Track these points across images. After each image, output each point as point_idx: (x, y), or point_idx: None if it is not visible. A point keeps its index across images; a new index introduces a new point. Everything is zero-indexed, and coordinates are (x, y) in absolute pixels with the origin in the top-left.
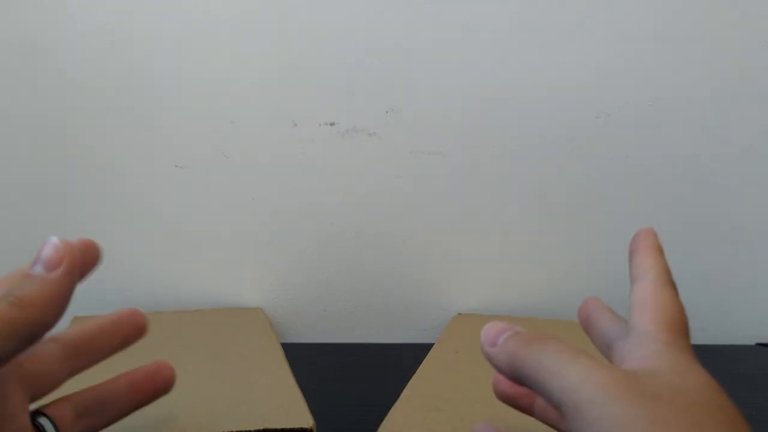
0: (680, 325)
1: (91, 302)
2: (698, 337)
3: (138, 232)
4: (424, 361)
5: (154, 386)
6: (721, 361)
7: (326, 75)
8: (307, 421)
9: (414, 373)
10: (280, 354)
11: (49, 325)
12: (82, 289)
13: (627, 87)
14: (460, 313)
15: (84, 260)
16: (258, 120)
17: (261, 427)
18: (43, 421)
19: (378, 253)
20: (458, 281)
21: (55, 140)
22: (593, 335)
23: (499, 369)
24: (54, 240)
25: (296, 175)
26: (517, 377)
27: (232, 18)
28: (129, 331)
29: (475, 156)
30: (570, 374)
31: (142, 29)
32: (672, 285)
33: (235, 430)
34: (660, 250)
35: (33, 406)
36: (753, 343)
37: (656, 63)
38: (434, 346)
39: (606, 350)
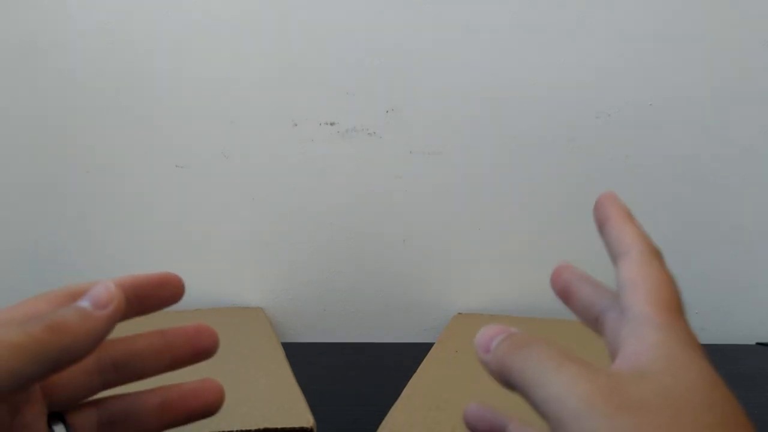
0: (675, 301)
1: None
2: (698, 337)
3: (138, 232)
4: (424, 361)
5: (190, 408)
6: (721, 361)
7: (326, 75)
8: (308, 420)
9: (414, 373)
10: (280, 354)
11: (76, 357)
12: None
13: (627, 87)
14: (460, 313)
15: (159, 293)
16: (258, 120)
17: (261, 427)
18: (59, 429)
19: (378, 254)
20: (458, 281)
21: (55, 140)
22: (575, 308)
23: (493, 378)
24: (108, 283)
25: (296, 175)
26: (509, 387)
27: (232, 18)
28: (185, 353)
29: (475, 156)
30: (554, 384)
31: (142, 29)
32: (658, 255)
33: (235, 429)
34: (632, 217)
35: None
36: (753, 342)
37: (656, 63)
38: (434, 346)
39: (594, 323)
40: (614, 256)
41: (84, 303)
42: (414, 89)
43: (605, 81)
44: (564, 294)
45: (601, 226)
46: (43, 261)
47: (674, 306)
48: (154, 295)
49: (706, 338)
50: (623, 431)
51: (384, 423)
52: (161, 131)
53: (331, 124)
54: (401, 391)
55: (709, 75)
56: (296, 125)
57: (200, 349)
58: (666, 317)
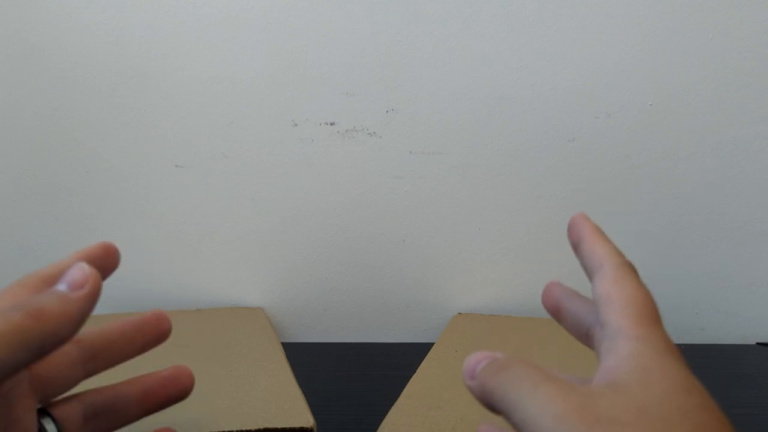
0: (650, 312)
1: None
2: (698, 337)
3: (138, 232)
4: (424, 361)
5: (168, 393)
6: (721, 361)
7: (326, 75)
8: (308, 420)
9: (414, 373)
10: (280, 354)
11: (60, 341)
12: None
13: (627, 87)
14: (460, 313)
15: (103, 265)
16: (258, 120)
17: (261, 427)
18: (47, 423)
19: (378, 253)
20: (458, 281)
21: (55, 140)
22: (567, 324)
23: (480, 403)
24: (82, 264)
25: (296, 175)
26: (494, 411)
27: (232, 18)
28: (151, 336)
29: (475, 156)
30: (530, 405)
31: (142, 29)
32: (631, 269)
33: (235, 429)
34: (604, 234)
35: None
36: (753, 342)
37: (656, 63)
38: (434, 346)
39: (585, 339)
40: (589, 273)
41: (61, 286)
42: (414, 89)
43: (605, 81)
44: (555, 311)
45: (576, 247)
46: (42, 261)
47: (650, 317)
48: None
49: (706, 338)
50: None
51: (384, 423)
52: (161, 131)
53: (331, 124)
54: (401, 391)
55: (709, 75)
56: (296, 125)
57: (164, 332)
58: (640, 329)
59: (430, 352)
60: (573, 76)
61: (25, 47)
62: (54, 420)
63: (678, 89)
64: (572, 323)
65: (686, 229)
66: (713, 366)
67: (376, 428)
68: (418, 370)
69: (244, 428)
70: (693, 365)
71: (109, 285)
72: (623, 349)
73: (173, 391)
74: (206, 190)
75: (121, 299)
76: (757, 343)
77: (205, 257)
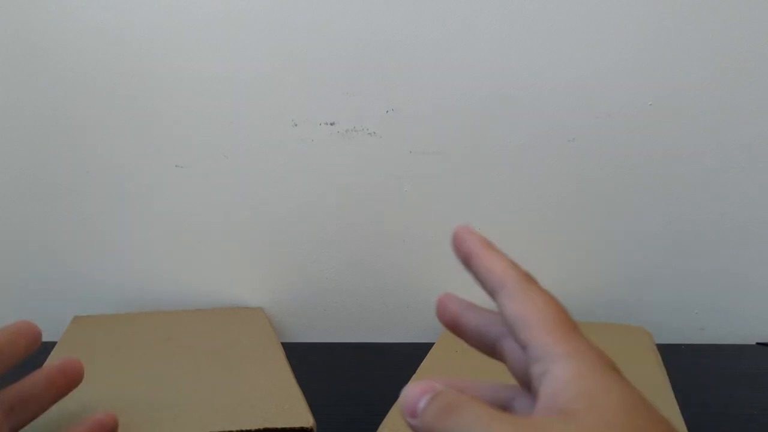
0: (566, 321)
1: (91, 302)
2: (698, 337)
3: (138, 232)
4: (424, 361)
5: (67, 379)
6: (721, 361)
7: (326, 75)
8: (308, 420)
9: (414, 373)
10: (280, 354)
11: None
12: (82, 290)
13: (627, 87)
14: None
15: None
16: (258, 120)
17: (261, 427)
18: None
19: (378, 253)
20: (458, 281)
21: (55, 140)
22: (467, 338)
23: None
24: None
25: (296, 175)
26: None
27: (232, 17)
28: (65, 381)
29: (475, 156)
30: None
31: (142, 29)
32: (531, 280)
33: (235, 429)
34: (494, 247)
35: None
36: (753, 342)
37: (656, 63)
38: (434, 346)
39: (490, 351)
40: (490, 292)
41: None
42: (414, 89)
43: (605, 81)
44: (453, 326)
45: (466, 262)
46: (42, 261)
47: (568, 327)
48: (63, 378)
49: (706, 338)
50: None
51: (384, 423)
52: (161, 131)
53: (331, 124)
54: (401, 391)
55: (709, 75)
56: (296, 125)
57: (72, 378)
58: (567, 344)
59: (430, 352)
60: (573, 76)
61: (25, 47)
62: None
63: (678, 89)
64: (475, 337)
65: (686, 229)
66: (713, 366)
67: (376, 428)
68: (418, 370)
69: (244, 428)
70: (693, 365)
71: (109, 285)
72: (560, 371)
73: (71, 376)
74: (206, 190)
75: (121, 299)
76: (757, 343)
77: (205, 257)
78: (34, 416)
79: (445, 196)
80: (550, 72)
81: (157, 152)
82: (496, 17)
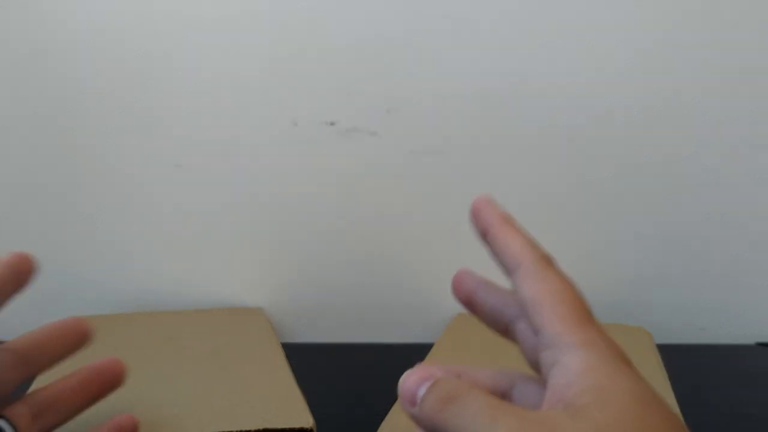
0: (581, 308)
1: (91, 302)
2: (698, 337)
3: (138, 232)
4: (423, 361)
5: (105, 382)
6: (721, 361)
7: (326, 75)
8: (307, 420)
9: None
10: (280, 354)
11: None
12: (81, 290)
13: (627, 87)
14: (460, 313)
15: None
16: (258, 120)
17: (261, 427)
18: (1, 423)
19: (378, 253)
20: None
21: (55, 140)
22: (482, 316)
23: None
24: None
25: (296, 174)
26: None
27: (232, 17)
28: (74, 338)
29: (475, 156)
30: None
31: (142, 29)
32: (550, 262)
33: (235, 430)
34: (514, 222)
35: None
36: (753, 342)
37: (656, 63)
38: (434, 346)
39: (504, 332)
40: (506, 271)
41: None
42: (414, 89)
43: (605, 81)
44: (468, 303)
45: (483, 235)
46: (42, 261)
47: (582, 314)
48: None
49: (706, 338)
50: None
51: (384, 423)
52: (161, 131)
53: (331, 124)
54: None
55: (709, 75)
56: (296, 125)
57: (109, 381)
58: (580, 334)
59: (430, 352)
60: (573, 76)
61: (25, 47)
62: (7, 419)
63: (678, 89)
64: (488, 316)
65: (686, 229)
66: (713, 366)
67: (376, 428)
68: None
69: (244, 428)
70: (693, 365)
71: (109, 285)
72: (571, 363)
73: (108, 379)
74: (206, 190)
75: (121, 299)
76: (757, 343)
77: (205, 257)
78: (65, 420)
79: (445, 196)
80: (551, 72)
81: (157, 152)
82: (496, 17)
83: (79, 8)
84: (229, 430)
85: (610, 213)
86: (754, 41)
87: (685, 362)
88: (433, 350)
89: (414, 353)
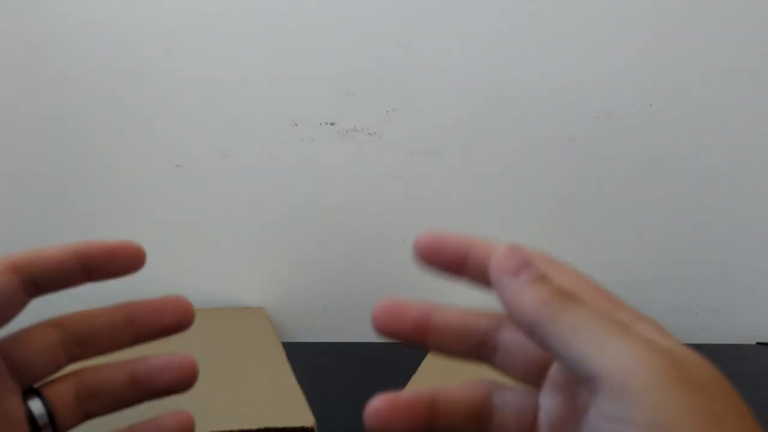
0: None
1: (91, 303)
2: (698, 337)
3: (138, 232)
4: (424, 361)
5: (158, 386)
6: (721, 361)
7: (326, 75)
8: (308, 420)
9: (414, 373)
10: (281, 354)
11: None
12: (81, 290)
13: (627, 87)
14: None
15: (113, 262)
16: (258, 120)
17: (262, 426)
18: (34, 404)
19: (378, 253)
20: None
21: (55, 140)
22: (442, 340)
23: (513, 310)
24: None
25: (296, 175)
26: (533, 330)
27: (232, 18)
28: (145, 328)
29: (475, 156)
30: (620, 347)
31: (142, 29)
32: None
33: (236, 428)
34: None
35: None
36: (753, 342)
37: (656, 63)
38: None
39: (475, 352)
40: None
41: None
42: (414, 89)
43: (605, 81)
44: (420, 330)
45: (460, 263)
46: None
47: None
48: (106, 264)
49: (706, 338)
50: (697, 410)
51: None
52: (161, 131)
53: (331, 124)
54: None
55: (709, 75)
56: (296, 125)
57: (166, 324)
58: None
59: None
60: (573, 77)
61: (25, 47)
62: (43, 400)
63: (678, 89)
64: (454, 335)
65: (686, 229)
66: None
67: None
68: (418, 370)
69: (244, 428)
70: None
71: (109, 285)
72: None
73: (160, 384)
74: (206, 190)
75: (121, 299)
76: (757, 343)
77: (206, 257)
78: (110, 411)
79: (445, 196)
80: (550, 72)
81: (157, 152)
82: (497, 17)
83: (80, 8)
84: (230, 428)
85: (609, 213)
86: (754, 41)
87: None
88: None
89: (414, 353)
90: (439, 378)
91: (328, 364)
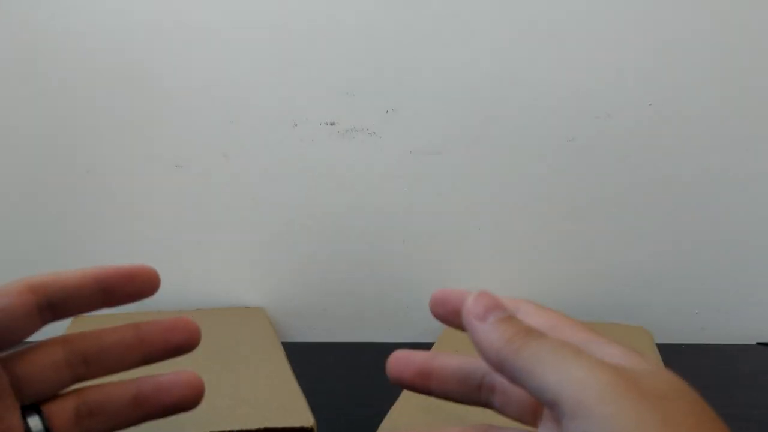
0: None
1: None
2: (698, 337)
3: (138, 232)
4: None
5: (164, 404)
6: (721, 361)
7: (326, 75)
8: (308, 420)
9: None
10: (281, 354)
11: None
12: None
13: (627, 87)
14: None
15: (129, 286)
16: (258, 120)
17: (262, 426)
18: (33, 421)
19: (378, 253)
20: (458, 281)
21: (55, 140)
22: (444, 384)
23: (482, 349)
24: None
25: (296, 175)
26: (501, 366)
27: (232, 18)
28: (155, 347)
29: (475, 156)
30: (575, 369)
31: (142, 29)
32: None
33: (235, 429)
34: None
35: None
36: (753, 342)
37: (656, 63)
38: (434, 346)
39: (473, 393)
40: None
41: None
42: (414, 89)
43: (605, 81)
44: (424, 375)
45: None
46: (42, 262)
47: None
48: (123, 288)
49: (706, 338)
50: (654, 419)
51: (384, 423)
52: (161, 131)
53: (331, 124)
54: (401, 391)
55: (709, 75)
56: (296, 125)
57: (175, 344)
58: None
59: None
60: (573, 76)
61: (25, 47)
62: (41, 416)
63: (678, 89)
64: (455, 378)
65: (686, 229)
66: (713, 366)
67: (376, 428)
68: None
69: (244, 428)
70: (693, 365)
71: None
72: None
73: (168, 402)
74: (206, 190)
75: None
76: (757, 343)
77: (206, 257)
78: (115, 429)
79: (445, 196)
80: (550, 72)
81: (157, 152)
82: (496, 17)
83: (80, 8)
84: (230, 429)
85: (610, 213)
86: (754, 41)
87: (685, 362)
88: (433, 350)
89: None
90: None
91: (328, 364)
